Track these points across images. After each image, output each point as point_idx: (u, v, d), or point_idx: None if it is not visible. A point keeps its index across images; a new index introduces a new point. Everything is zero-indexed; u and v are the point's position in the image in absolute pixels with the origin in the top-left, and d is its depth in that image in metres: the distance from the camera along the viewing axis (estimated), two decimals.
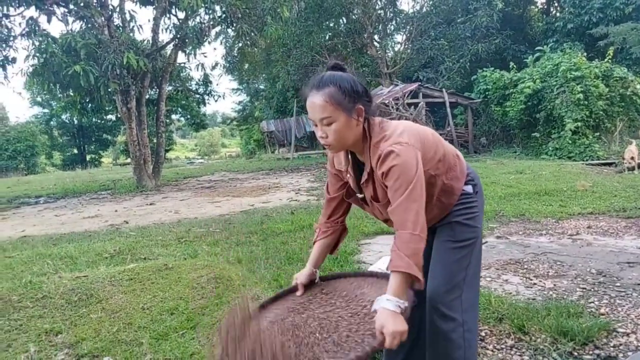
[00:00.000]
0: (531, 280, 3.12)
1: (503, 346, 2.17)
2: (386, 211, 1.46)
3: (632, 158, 9.22)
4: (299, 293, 1.65)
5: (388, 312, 1.23)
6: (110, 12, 11.13)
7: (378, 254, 3.83)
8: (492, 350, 2.15)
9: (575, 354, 2.07)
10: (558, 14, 20.75)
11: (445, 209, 1.60)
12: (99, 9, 10.66)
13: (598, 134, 13.25)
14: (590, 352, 2.07)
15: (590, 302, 2.65)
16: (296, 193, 9.02)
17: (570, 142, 13.01)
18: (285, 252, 4.00)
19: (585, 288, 2.91)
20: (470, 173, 1.65)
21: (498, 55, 19.56)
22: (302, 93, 1.47)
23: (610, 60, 14.02)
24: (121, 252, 4.26)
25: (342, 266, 3.55)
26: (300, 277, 1.68)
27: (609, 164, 10.32)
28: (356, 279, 1.68)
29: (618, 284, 2.95)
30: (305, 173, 13.35)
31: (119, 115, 13.32)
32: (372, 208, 1.61)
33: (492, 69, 16.52)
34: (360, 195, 1.61)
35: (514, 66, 15.87)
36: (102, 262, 3.93)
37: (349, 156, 1.58)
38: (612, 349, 2.10)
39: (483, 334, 2.29)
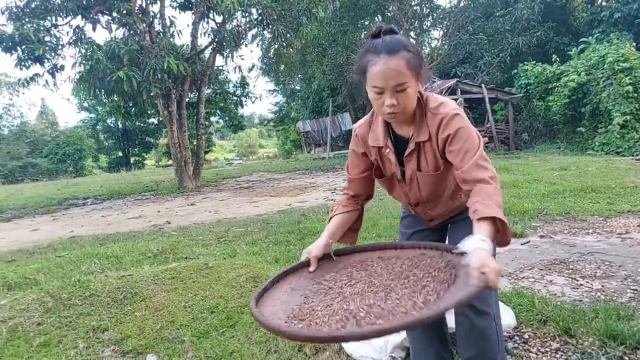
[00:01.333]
0: (577, 281, 2.99)
1: (547, 349, 2.10)
2: (426, 185, 1.49)
3: None
4: (311, 269, 1.42)
5: (485, 252, 1.12)
6: (151, 19, 11.53)
7: None
8: (535, 354, 2.08)
9: (627, 358, 1.97)
10: (604, 3, 19.69)
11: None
12: (140, 15, 11.06)
13: None
14: None
15: None
16: (332, 192, 9.03)
17: (618, 136, 12.36)
18: None
19: (636, 289, 2.76)
20: None
21: (540, 49, 18.80)
22: (361, 63, 1.39)
23: None
24: (163, 252, 4.40)
25: None
26: (313, 249, 1.46)
27: None
28: (374, 252, 1.50)
29: None
30: (341, 172, 13.34)
31: (160, 119, 13.78)
32: (408, 184, 1.56)
33: (534, 62, 15.94)
34: (398, 171, 1.55)
35: (557, 59, 15.23)
36: (145, 261, 4.08)
37: (389, 130, 1.53)
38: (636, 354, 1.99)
39: (526, 336, 2.22)
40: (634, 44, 13.97)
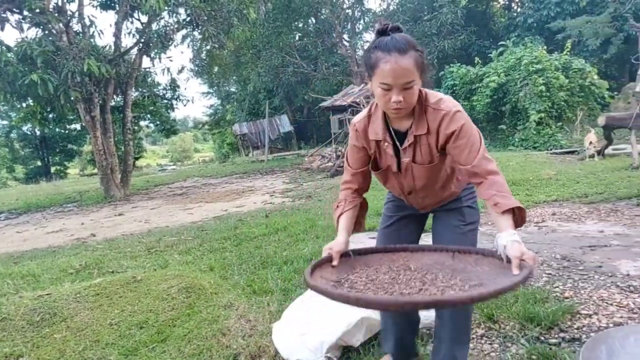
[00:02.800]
0: None
1: (474, 336, 2.20)
2: (420, 175, 1.60)
3: (591, 143, 9.56)
4: (335, 262, 1.48)
5: (519, 244, 1.27)
6: (68, 18, 10.78)
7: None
8: None
9: (542, 338, 2.12)
10: (519, 10, 21.35)
11: (459, 188, 1.72)
12: (56, 14, 10.32)
13: (560, 123, 13.70)
14: (556, 336, 2.13)
15: (556, 287, 2.72)
16: (271, 196, 8.97)
17: (535, 132, 13.40)
18: (259, 257, 3.95)
19: (550, 273, 2.99)
20: None
21: (464, 51, 19.96)
22: (370, 60, 1.43)
23: (568, 53, 14.52)
24: (87, 267, 4.13)
25: None
26: (335, 245, 1.52)
27: (572, 152, 10.67)
28: (387, 254, 1.57)
29: (581, 267, 3.04)
30: (280, 175, 13.29)
31: (83, 125, 12.91)
32: (404, 175, 1.64)
33: (459, 64, 16.84)
34: (394, 164, 1.64)
35: (479, 61, 16.23)
36: (66, 278, 3.80)
37: (387, 124, 1.60)
38: (575, 331, 2.16)
39: None
40: (545, 47, 15.24)
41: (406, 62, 1.37)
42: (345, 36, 22.19)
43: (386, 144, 1.60)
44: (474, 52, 19.07)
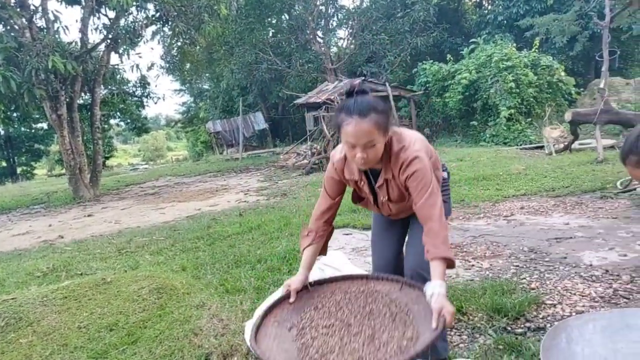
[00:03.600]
0: (470, 262, 3.25)
1: None
2: (396, 207, 1.81)
3: (558, 138, 9.87)
4: (291, 300, 1.65)
5: (443, 296, 1.40)
6: (31, 13, 10.37)
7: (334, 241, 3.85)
8: None
9: (509, 328, 2.18)
10: (490, 7, 21.78)
11: None
12: (18, 9, 9.93)
13: (530, 119, 14.08)
14: (522, 326, 2.20)
15: (523, 278, 2.80)
16: (245, 194, 8.90)
17: (505, 128, 13.73)
18: (233, 256, 3.93)
19: (518, 265, 3.08)
20: (443, 162, 1.98)
21: (436, 48, 20.24)
22: (337, 119, 1.57)
23: (537, 50, 14.92)
24: (55, 270, 4.02)
25: (291, 264, 3.53)
26: (293, 283, 1.69)
27: (540, 147, 10.97)
28: (345, 282, 1.75)
29: (547, 259, 3.15)
30: (254, 173, 13.20)
31: (50, 124, 12.49)
32: (381, 206, 1.86)
33: (431, 61, 17.07)
34: (371, 198, 1.84)
35: (451, 58, 16.48)
36: (33, 281, 3.70)
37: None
38: (541, 320, 2.24)
39: None
40: (515, 44, 15.60)
41: (366, 125, 1.50)
42: (319, 33, 22.15)
43: (362, 182, 1.79)
44: (446, 49, 19.36)
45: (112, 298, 2.91)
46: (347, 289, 1.69)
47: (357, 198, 1.93)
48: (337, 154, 1.80)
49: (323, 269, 2.57)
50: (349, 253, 3.78)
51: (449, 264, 1.54)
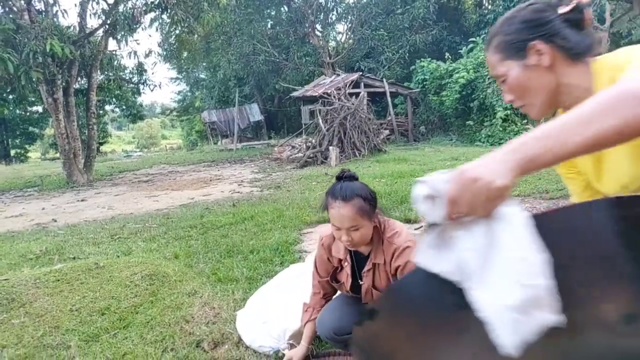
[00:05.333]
0: None
1: None
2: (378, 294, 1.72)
3: None
4: None
5: None
6: None
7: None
8: None
9: None
10: (490, 7, 21.79)
11: None
12: None
13: (526, 121, 14.14)
14: None
15: None
16: (239, 185, 8.91)
17: (501, 129, 13.79)
18: (225, 245, 3.95)
19: None
20: None
21: (435, 46, 20.26)
22: (325, 202, 1.63)
23: None
24: (48, 253, 4.04)
25: (283, 256, 3.57)
26: (295, 356, 1.81)
27: None
28: (345, 358, 1.82)
29: None
30: (249, 164, 13.20)
31: (45, 107, 12.40)
32: (364, 294, 1.77)
33: (429, 59, 17.08)
34: (353, 282, 1.79)
35: (450, 57, 16.49)
36: (26, 263, 3.71)
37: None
38: None
39: None
40: None
41: (347, 210, 1.55)
42: (318, 26, 22.10)
43: (346, 263, 1.79)
44: (444, 48, 19.38)
45: (104, 283, 2.93)
46: None
47: (336, 279, 1.86)
48: (326, 231, 1.85)
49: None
50: None
51: None
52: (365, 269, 1.72)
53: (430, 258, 0.69)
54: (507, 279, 0.62)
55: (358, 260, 1.77)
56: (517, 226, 0.62)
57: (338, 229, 1.61)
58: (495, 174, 0.66)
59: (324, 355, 1.91)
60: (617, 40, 14.93)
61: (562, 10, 1.00)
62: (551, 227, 0.65)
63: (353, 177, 1.66)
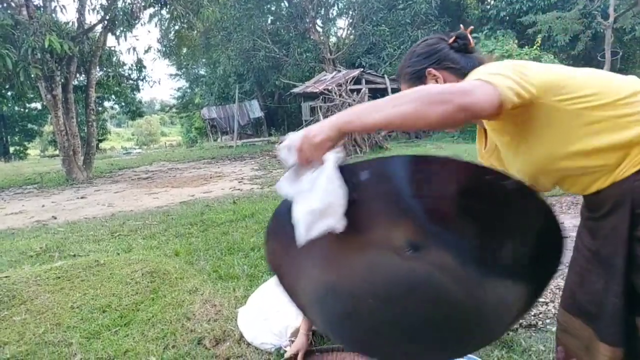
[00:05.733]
0: None
1: None
2: None
3: None
4: None
5: None
6: None
7: None
8: None
9: None
10: (492, 2, 21.68)
11: None
12: None
13: None
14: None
15: None
16: (239, 182, 8.90)
17: None
18: (226, 243, 3.94)
19: None
20: None
21: None
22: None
23: (538, 48, 14.89)
24: (48, 250, 4.03)
25: None
26: (301, 347, 1.87)
27: None
28: (349, 355, 1.86)
29: None
30: (249, 161, 13.18)
31: (44, 103, 12.37)
32: None
33: None
34: None
35: None
36: (26, 260, 3.71)
37: None
38: (532, 317, 2.27)
39: None
40: (516, 41, 15.54)
41: None
42: (319, 22, 22.01)
43: None
44: None
45: (105, 280, 2.92)
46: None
47: None
48: None
49: None
50: None
51: None
52: None
53: (284, 187, 0.95)
54: (314, 197, 0.88)
55: None
56: (329, 168, 0.88)
57: None
58: (320, 131, 0.90)
59: (327, 350, 1.92)
60: (621, 36, 14.88)
61: (449, 40, 1.29)
62: (369, 170, 0.91)
63: None
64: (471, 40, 1.32)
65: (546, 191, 1.18)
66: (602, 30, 13.78)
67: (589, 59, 18.06)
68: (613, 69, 14.21)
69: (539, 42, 15.20)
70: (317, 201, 0.87)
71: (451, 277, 0.93)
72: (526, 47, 15.11)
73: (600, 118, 0.98)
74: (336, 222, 0.87)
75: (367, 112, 0.90)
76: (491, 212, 0.89)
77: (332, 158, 0.90)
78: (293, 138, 0.94)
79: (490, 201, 0.88)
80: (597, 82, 1.02)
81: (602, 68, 11.50)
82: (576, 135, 1.00)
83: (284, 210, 0.96)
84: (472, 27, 1.41)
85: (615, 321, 1.01)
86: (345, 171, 0.90)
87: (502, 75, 0.94)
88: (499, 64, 1.04)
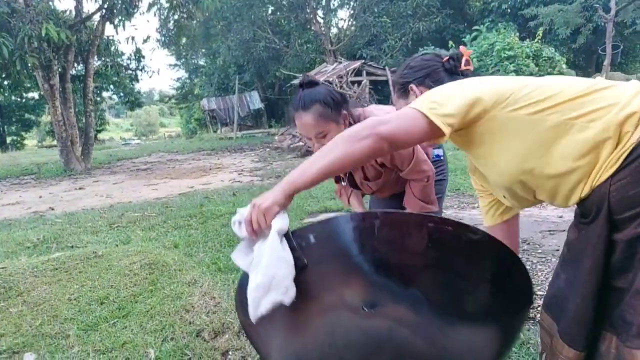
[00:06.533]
0: None
1: None
2: (376, 185, 1.82)
3: None
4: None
5: None
6: None
7: None
8: None
9: None
10: None
11: None
12: None
13: None
14: None
15: None
16: (239, 174, 8.86)
17: None
18: (225, 235, 3.91)
19: None
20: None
21: (438, 34, 20.01)
22: (289, 115, 1.71)
23: (539, 41, 14.80)
24: (45, 241, 4.00)
25: None
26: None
27: None
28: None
29: (540, 251, 3.16)
30: (249, 153, 13.13)
31: (41, 93, 12.28)
32: (361, 187, 1.89)
33: (433, 47, 16.87)
34: (345, 183, 1.91)
35: (453, 45, 16.29)
36: (23, 252, 3.68)
37: None
38: (531, 311, 2.25)
39: None
40: (518, 33, 15.43)
41: (308, 117, 1.56)
42: (320, 12, 21.81)
43: None
44: (448, 36, 19.15)
45: (103, 272, 2.90)
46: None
47: (337, 179, 1.98)
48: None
49: None
50: None
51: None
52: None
53: (238, 259, 0.97)
54: (259, 271, 0.88)
55: None
56: (272, 237, 0.89)
57: (309, 138, 1.61)
58: (266, 198, 0.94)
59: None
60: (622, 30, 14.79)
61: (444, 59, 1.36)
62: (316, 232, 0.92)
63: (313, 83, 1.63)
64: (463, 63, 1.38)
65: (529, 206, 1.19)
66: (603, 24, 13.68)
67: (589, 52, 17.96)
68: (613, 62, 14.14)
69: (540, 35, 15.10)
70: (261, 275, 0.87)
71: (411, 329, 0.93)
72: (527, 40, 15.01)
73: (557, 122, 0.95)
74: (282, 295, 0.87)
75: (306, 169, 0.96)
76: (448, 261, 0.90)
77: (276, 225, 0.91)
78: (242, 212, 0.96)
79: (446, 249, 0.90)
80: (550, 87, 1.00)
81: (602, 62, 11.45)
82: (539, 142, 0.97)
83: (245, 282, 0.95)
84: (471, 50, 1.50)
85: (577, 323, 0.98)
86: (295, 236, 0.91)
87: (430, 100, 0.99)
88: (435, 89, 1.07)
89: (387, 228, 0.91)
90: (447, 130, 0.97)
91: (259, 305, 0.87)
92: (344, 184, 1.95)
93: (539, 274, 2.72)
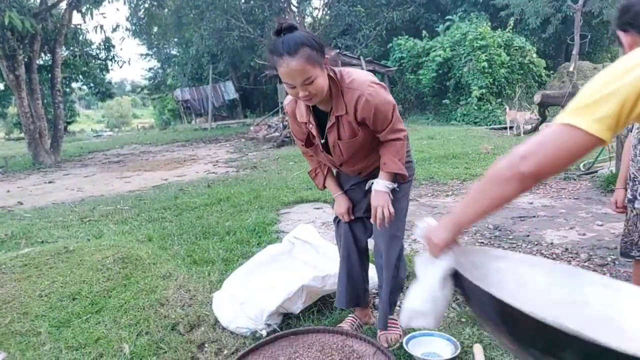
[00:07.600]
0: None
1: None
2: (347, 149, 1.73)
3: (528, 120, 10.16)
4: (347, 219, 1.93)
5: (382, 193, 1.72)
6: None
7: (297, 222, 3.85)
8: None
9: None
10: None
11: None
12: None
13: (500, 100, 14.32)
14: None
15: None
16: (214, 165, 8.77)
17: (476, 108, 13.92)
18: (201, 227, 3.88)
19: (482, 242, 3.18)
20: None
21: (412, 24, 20.07)
22: (270, 61, 1.52)
23: (511, 30, 15.04)
24: (14, 237, 3.89)
25: (261, 237, 3.52)
26: (341, 207, 1.91)
27: (510, 128, 11.22)
28: (325, 335, 1.86)
29: (511, 237, 3.26)
30: (224, 144, 12.98)
31: (7, 84, 11.81)
32: (333, 151, 1.78)
33: (407, 37, 16.96)
34: (322, 141, 1.78)
35: (427, 35, 16.41)
36: None
37: (310, 107, 1.71)
38: None
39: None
40: (490, 23, 15.64)
41: (296, 62, 1.45)
42: (294, 1, 21.59)
43: (310, 125, 1.75)
44: (422, 25, 19.24)
45: (74, 267, 2.84)
46: (325, 343, 1.79)
47: (309, 142, 1.87)
48: (287, 98, 1.80)
49: (293, 242, 2.57)
50: (319, 227, 3.80)
51: (402, 178, 1.76)
52: (329, 125, 1.70)
53: (420, 264, 1.03)
54: (418, 295, 0.99)
55: (322, 119, 1.73)
56: (435, 277, 0.96)
57: (292, 87, 1.51)
58: (436, 236, 0.98)
59: (303, 332, 1.90)
60: (589, 20, 15.15)
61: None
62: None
63: (293, 27, 1.51)
64: None
65: None
66: (571, 14, 13.99)
67: (558, 42, 18.35)
68: (582, 51, 14.47)
69: (512, 24, 15.35)
70: (419, 302, 0.98)
71: None
72: (499, 29, 15.24)
73: None
74: (431, 322, 1.00)
75: (469, 213, 0.96)
76: None
77: (442, 266, 0.96)
78: (428, 222, 1.05)
79: None
80: None
81: (571, 51, 11.69)
82: None
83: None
84: None
85: None
86: (458, 276, 0.94)
87: (585, 106, 0.81)
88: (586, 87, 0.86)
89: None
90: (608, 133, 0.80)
91: (410, 320, 1.00)
92: (316, 142, 1.82)
93: None
